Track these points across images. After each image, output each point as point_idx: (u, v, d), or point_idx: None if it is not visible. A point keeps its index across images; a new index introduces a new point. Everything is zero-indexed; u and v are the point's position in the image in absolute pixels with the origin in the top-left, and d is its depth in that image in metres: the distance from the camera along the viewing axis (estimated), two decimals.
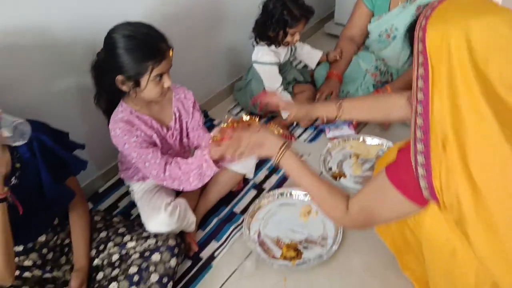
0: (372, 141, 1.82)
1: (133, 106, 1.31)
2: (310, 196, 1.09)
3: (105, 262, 1.23)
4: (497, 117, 0.68)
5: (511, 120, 0.68)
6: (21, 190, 1.04)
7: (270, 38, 1.80)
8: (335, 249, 1.38)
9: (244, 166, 1.55)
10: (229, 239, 1.46)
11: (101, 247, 1.25)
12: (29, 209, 1.05)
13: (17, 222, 0.98)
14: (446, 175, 0.75)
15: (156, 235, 1.26)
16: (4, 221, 0.93)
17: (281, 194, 1.61)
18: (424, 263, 1.04)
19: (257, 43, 1.85)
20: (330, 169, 1.73)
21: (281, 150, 1.05)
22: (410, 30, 0.86)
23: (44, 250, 1.16)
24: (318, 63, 2.05)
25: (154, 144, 1.35)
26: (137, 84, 1.19)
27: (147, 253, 1.20)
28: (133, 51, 1.15)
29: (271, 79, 1.86)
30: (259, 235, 1.46)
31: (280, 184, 1.68)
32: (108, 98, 1.30)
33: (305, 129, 1.95)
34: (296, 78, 2.00)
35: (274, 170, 1.75)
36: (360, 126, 1.93)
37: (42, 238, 1.15)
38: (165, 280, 1.18)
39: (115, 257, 1.23)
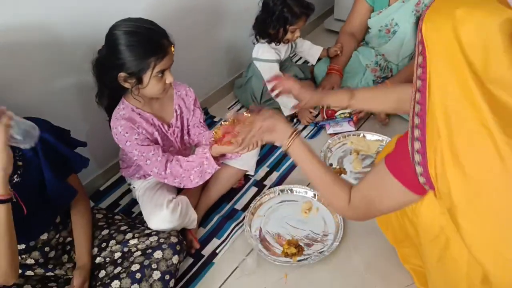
0: (372, 137, 1.82)
1: (135, 103, 1.31)
2: (315, 184, 1.09)
3: (107, 260, 1.24)
4: (489, 106, 0.68)
5: (501, 111, 0.69)
6: (23, 188, 1.04)
7: (271, 36, 1.79)
8: (336, 246, 1.38)
9: (245, 163, 1.55)
10: (230, 236, 1.47)
11: (103, 245, 1.25)
12: (31, 207, 1.06)
13: (19, 220, 0.98)
14: (441, 162, 0.75)
15: (158, 233, 1.26)
16: (9, 221, 0.93)
17: (282, 191, 1.61)
18: (421, 255, 1.05)
19: (257, 40, 1.85)
20: (331, 165, 1.73)
21: (291, 137, 1.06)
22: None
23: (46, 248, 1.16)
24: (319, 59, 2.05)
25: (155, 142, 1.35)
26: (139, 80, 1.19)
27: (149, 251, 1.21)
28: (135, 48, 1.15)
29: (271, 76, 1.85)
30: (260, 232, 1.47)
31: (281, 181, 1.69)
32: (109, 95, 1.30)
33: (305, 126, 1.95)
34: (297, 75, 1.99)
35: (274, 167, 1.75)
36: (360, 123, 1.93)
37: (44, 236, 1.15)
38: (167, 277, 1.18)
39: (117, 254, 1.23)
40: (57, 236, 1.19)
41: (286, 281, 1.33)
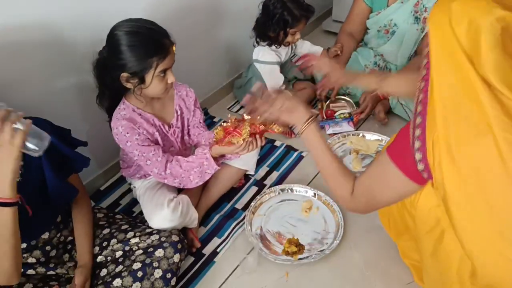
0: (371, 136, 1.83)
1: (135, 103, 1.32)
2: (322, 171, 1.10)
3: (108, 259, 1.24)
4: (490, 102, 0.68)
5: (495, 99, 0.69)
6: (24, 188, 1.04)
7: (271, 38, 1.80)
8: (337, 244, 1.39)
9: (245, 163, 1.56)
10: (231, 235, 1.47)
11: (105, 244, 1.25)
12: (32, 207, 1.06)
13: (20, 220, 0.98)
14: (438, 151, 0.76)
15: (159, 231, 1.26)
16: (15, 224, 0.94)
17: (282, 190, 1.61)
18: (418, 248, 1.06)
19: (257, 43, 1.85)
20: None
21: (308, 122, 1.06)
22: None
23: (48, 247, 1.16)
24: None
25: (156, 142, 1.36)
26: (142, 80, 1.20)
27: (150, 249, 1.21)
28: (137, 48, 1.16)
29: (273, 79, 1.86)
30: (260, 231, 1.47)
31: (281, 180, 1.69)
32: (110, 96, 1.30)
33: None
34: (296, 76, 2.01)
35: (275, 166, 1.76)
36: (359, 123, 1.94)
37: (45, 235, 1.15)
38: (168, 275, 1.18)
39: (118, 253, 1.23)
40: (58, 235, 1.19)
41: (287, 280, 1.33)
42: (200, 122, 1.50)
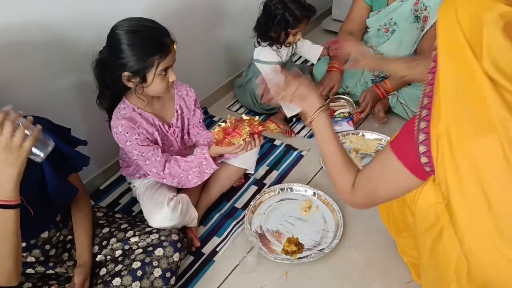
0: (371, 136, 1.83)
1: (136, 103, 1.32)
2: (326, 161, 1.09)
3: (108, 258, 1.24)
4: (496, 98, 0.67)
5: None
6: (24, 187, 1.03)
7: (272, 39, 1.79)
8: (336, 243, 1.39)
9: (245, 162, 1.56)
10: (230, 234, 1.47)
11: (104, 243, 1.25)
12: (32, 206, 1.06)
13: (20, 219, 0.98)
14: (442, 145, 0.75)
15: (159, 230, 1.26)
16: (17, 226, 0.94)
17: (282, 190, 1.61)
18: (417, 244, 1.06)
19: (258, 43, 1.84)
20: None
21: (319, 110, 1.06)
22: None
23: (47, 246, 1.16)
24: (318, 59, 2.05)
25: (155, 142, 1.36)
26: (143, 79, 1.20)
27: (150, 248, 1.21)
28: (138, 46, 1.16)
29: (274, 79, 1.86)
30: (260, 230, 1.47)
31: (280, 179, 1.69)
32: (111, 96, 1.30)
33: (305, 125, 1.95)
34: None
35: (274, 165, 1.76)
36: (359, 122, 1.94)
37: (45, 234, 1.15)
38: (168, 274, 1.18)
39: (118, 252, 1.23)
40: (57, 234, 1.19)
41: (287, 279, 1.33)
42: (200, 122, 1.51)
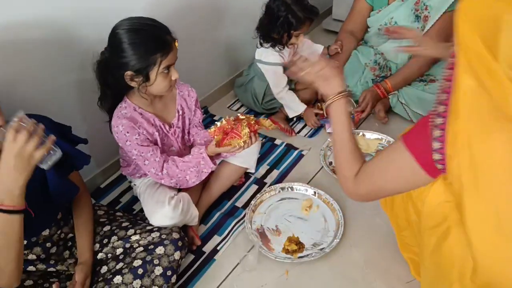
0: (371, 135, 1.83)
1: (137, 102, 1.32)
2: (335, 146, 1.07)
3: (109, 256, 1.24)
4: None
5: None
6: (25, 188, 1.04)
7: (275, 40, 1.79)
8: (337, 243, 1.39)
9: (246, 161, 1.56)
10: (231, 233, 1.47)
11: (105, 241, 1.25)
12: (33, 204, 1.06)
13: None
14: (460, 142, 0.74)
15: (160, 229, 1.26)
16: (20, 230, 0.95)
17: (282, 189, 1.61)
18: (419, 242, 1.05)
19: (261, 45, 1.84)
20: (330, 163, 1.74)
21: (339, 95, 1.05)
22: None
23: (48, 244, 1.16)
24: None
25: (154, 142, 1.36)
26: (146, 78, 1.20)
27: (151, 246, 1.21)
28: (140, 45, 1.16)
29: (276, 80, 1.86)
30: (261, 229, 1.48)
31: (281, 178, 1.69)
32: (113, 97, 1.30)
33: (306, 124, 1.96)
34: None
35: (275, 165, 1.76)
36: (360, 122, 1.94)
37: (46, 232, 1.15)
38: (169, 273, 1.18)
39: (119, 250, 1.23)
40: (58, 232, 1.19)
41: (287, 278, 1.33)
42: (199, 122, 1.51)
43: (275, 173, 1.72)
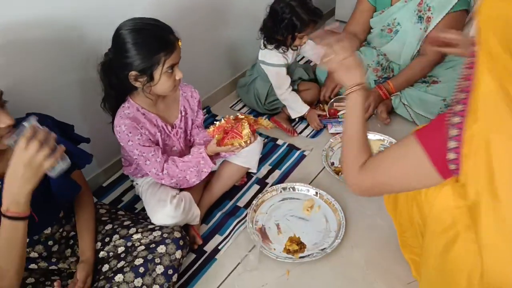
0: (373, 136, 1.83)
1: (140, 103, 1.32)
2: (344, 138, 1.07)
3: (110, 254, 1.24)
4: None
5: None
6: None
7: (279, 41, 1.79)
8: (338, 243, 1.39)
9: (248, 161, 1.56)
10: (232, 232, 1.48)
11: (107, 239, 1.26)
12: (36, 203, 1.06)
13: None
14: (475, 144, 0.73)
15: (161, 228, 1.26)
16: (24, 238, 0.95)
17: (284, 189, 1.62)
18: (423, 244, 1.04)
19: (265, 46, 1.84)
20: (332, 164, 1.74)
21: (358, 86, 1.04)
22: None
23: (50, 242, 1.17)
24: None
25: (156, 143, 1.36)
26: (150, 78, 1.20)
27: (152, 245, 1.21)
28: (143, 44, 1.16)
29: (279, 81, 1.86)
30: (262, 229, 1.48)
31: (283, 179, 1.69)
32: (117, 98, 1.30)
33: (308, 125, 1.96)
34: (301, 77, 2.00)
35: (277, 165, 1.76)
36: None
37: (48, 230, 1.16)
38: (170, 272, 1.18)
39: (120, 249, 1.23)
40: (60, 230, 1.20)
41: (288, 278, 1.33)
42: (201, 123, 1.52)
43: (277, 173, 1.72)
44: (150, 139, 1.33)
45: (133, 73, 1.19)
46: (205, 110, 2.07)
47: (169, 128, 1.40)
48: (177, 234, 1.24)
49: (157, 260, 1.18)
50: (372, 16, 1.96)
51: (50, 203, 1.14)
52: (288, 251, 1.39)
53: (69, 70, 1.42)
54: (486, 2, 0.69)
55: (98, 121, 1.43)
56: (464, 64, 0.78)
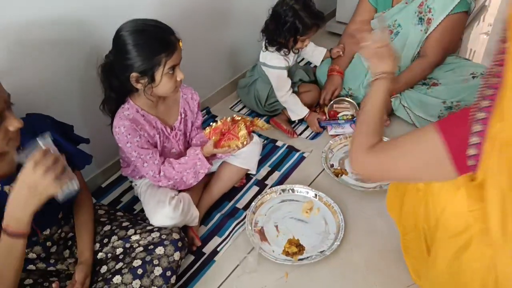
0: None
1: (140, 104, 1.32)
2: (360, 119, 1.07)
3: (109, 255, 1.24)
4: None
5: None
6: None
7: (280, 44, 1.78)
8: (337, 245, 1.39)
9: (247, 162, 1.56)
10: (231, 234, 1.47)
11: (105, 241, 1.25)
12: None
13: None
14: (499, 143, 0.71)
15: (160, 229, 1.26)
16: (22, 254, 0.95)
17: (283, 191, 1.61)
18: (428, 250, 1.03)
19: (266, 48, 1.84)
20: (332, 165, 1.74)
21: (384, 74, 1.08)
22: None
23: (48, 243, 1.16)
24: (321, 61, 2.05)
25: (154, 145, 1.36)
26: (152, 79, 1.20)
27: (151, 247, 1.20)
28: (144, 46, 1.16)
29: (280, 83, 1.86)
30: (261, 231, 1.47)
31: (282, 180, 1.69)
32: (117, 100, 1.30)
33: (307, 126, 1.95)
34: (302, 79, 2.00)
35: (276, 166, 1.76)
36: None
37: (46, 231, 1.15)
38: (168, 273, 1.18)
39: (119, 250, 1.23)
40: (59, 231, 1.19)
41: (287, 280, 1.33)
42: (200, 125, 1.52)
43: (276, 175, 1.72)
44: (148, 141, 1.33)
45: (134, 74, 1.19)
46: (204, 110, 2.07)
47: (168, 130, 1.40)
48: (175, 236, 1.24)
49: (156, 262, 1.18)
50: (373, 17, 1.95)
51: (49, 204, 1.13)
52: (287, 253, 1.38)
53: (69, 70, 1.42)
54: None
55: (98, 122, 1.43)
56: (494, 60, 0.76)
